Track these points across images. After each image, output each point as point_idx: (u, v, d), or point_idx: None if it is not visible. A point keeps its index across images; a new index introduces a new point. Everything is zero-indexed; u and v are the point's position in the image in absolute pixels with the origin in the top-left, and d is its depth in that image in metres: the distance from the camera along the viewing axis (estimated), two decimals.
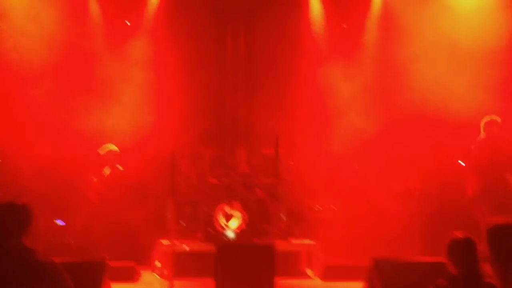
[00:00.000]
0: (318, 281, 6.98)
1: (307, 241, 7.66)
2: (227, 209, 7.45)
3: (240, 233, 7.33)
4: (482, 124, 7.41)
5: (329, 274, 6.91)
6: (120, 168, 7.65)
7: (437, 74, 8.46)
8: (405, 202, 8.26)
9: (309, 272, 7.40)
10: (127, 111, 8.29)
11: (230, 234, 7.34)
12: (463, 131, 8.00)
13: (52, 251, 7.69)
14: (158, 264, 7.09)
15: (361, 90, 8.84)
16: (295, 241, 7.66)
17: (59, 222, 8.10)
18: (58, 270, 2.69)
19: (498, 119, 7.37)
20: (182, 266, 7.21)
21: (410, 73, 8.48)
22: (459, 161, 7.91)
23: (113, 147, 7.71)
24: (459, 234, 3.14)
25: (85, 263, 4.92)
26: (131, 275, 6.72)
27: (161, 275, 7.01)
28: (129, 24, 8.96)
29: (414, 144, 8.41)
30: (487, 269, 2.99)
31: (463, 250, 3.05)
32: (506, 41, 8.26)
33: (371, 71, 8.98)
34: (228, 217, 7.45)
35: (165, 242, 7.19)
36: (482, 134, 7.42)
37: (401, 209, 8.23)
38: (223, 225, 7.39)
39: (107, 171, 7.60)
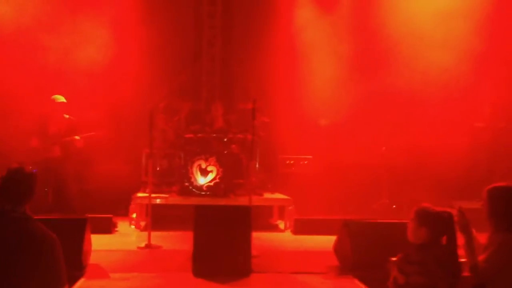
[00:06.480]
0: (288, 234, 7.28)
1: (279, 195, 7.92)
2: (203, 164, 7.61)
3: (214, 187, 7.52)
4: None
5: (299, 227, 7.20)
6: (66, 116, 7.26)
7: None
8: (375, 157, 8.57)
9: (281, 225, 7.70)
10: (106, 67, 8.14)
11: (205, 187, 7.52)
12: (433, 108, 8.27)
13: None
14: (134, 216, 7.26)
15: (338, 50, 8.90)
16: (268, 195, 7.91)
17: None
18: (57, 245, 2.71)
19: None
20: (158, 218, 7.43)
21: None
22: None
23: (61, 99, 7.23)
24: (437, 208, 3.23)
25: (69, 219, 5.16)
26: (108, 227, 6.87)
27: (138, 227, 7.21)
28: None
29: (385, 99, 8.57)
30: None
31: (443, 222, 3.14)
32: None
33: (349, 33, 9.01)
34: (203, 172, 7.61)
35: (141, 194, 7.34)
36: None
37: (370, 163, 8.56)
38: (198, 179, 7.56)
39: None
